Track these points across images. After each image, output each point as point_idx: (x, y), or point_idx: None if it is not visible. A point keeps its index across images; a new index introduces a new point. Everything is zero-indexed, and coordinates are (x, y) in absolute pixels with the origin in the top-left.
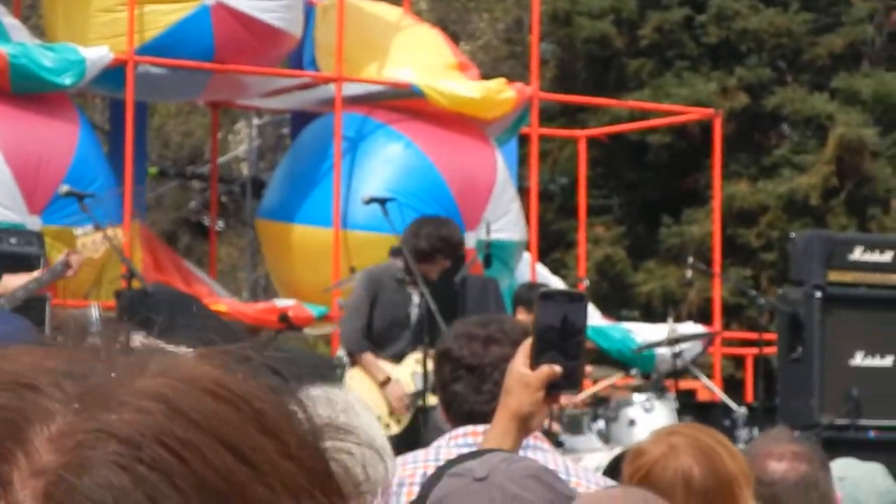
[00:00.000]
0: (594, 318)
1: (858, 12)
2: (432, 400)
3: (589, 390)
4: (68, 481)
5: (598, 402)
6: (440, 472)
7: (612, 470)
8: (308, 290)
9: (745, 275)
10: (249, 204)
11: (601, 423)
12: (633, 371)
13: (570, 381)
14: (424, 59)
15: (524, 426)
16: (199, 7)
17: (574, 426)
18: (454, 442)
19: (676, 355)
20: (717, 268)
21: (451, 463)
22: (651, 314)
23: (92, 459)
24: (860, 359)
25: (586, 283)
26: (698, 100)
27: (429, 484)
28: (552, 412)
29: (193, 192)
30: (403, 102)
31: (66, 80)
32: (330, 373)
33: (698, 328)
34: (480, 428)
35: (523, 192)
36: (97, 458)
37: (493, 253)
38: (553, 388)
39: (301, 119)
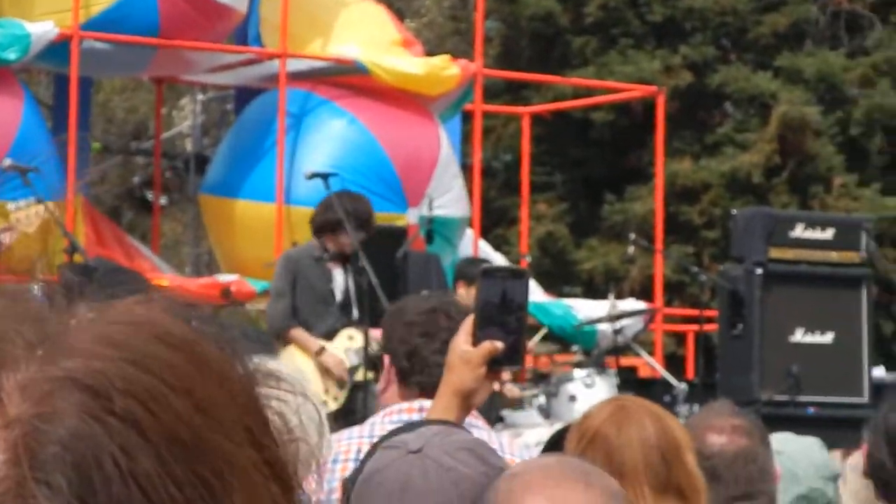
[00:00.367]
0: (536, 294)
1: None
2: (369, 375)
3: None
4: (43, 431)
5: (539, 377)
6: (376, 446)
7: (553, 445)
8: (251, 265)
9: (688, 252)
10: (193, 179)
11: (542, 399)
12: (575, 347)
13: (513, 356)
14: (369, 35)
15: (466, 403)
16: None
17: (514, 402)
18: (388, 419)
19: (618, 332)
20: (659, 244)
21: (386, 436)
22: (593, 291)
23: (63, 410)
24: (800, 335)
25: (528, 259)
26: (642, 77)
27: (366, 459)
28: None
29: (137, 168)
30: (347, 79)
31: (11, 56)
32: (271, 347)
33: (640, 305)
34: (416, 404)
35: (467, 168)
36: (68, 409)
37: (436, 229)
38: (495, 364)
39: (245, 95)
